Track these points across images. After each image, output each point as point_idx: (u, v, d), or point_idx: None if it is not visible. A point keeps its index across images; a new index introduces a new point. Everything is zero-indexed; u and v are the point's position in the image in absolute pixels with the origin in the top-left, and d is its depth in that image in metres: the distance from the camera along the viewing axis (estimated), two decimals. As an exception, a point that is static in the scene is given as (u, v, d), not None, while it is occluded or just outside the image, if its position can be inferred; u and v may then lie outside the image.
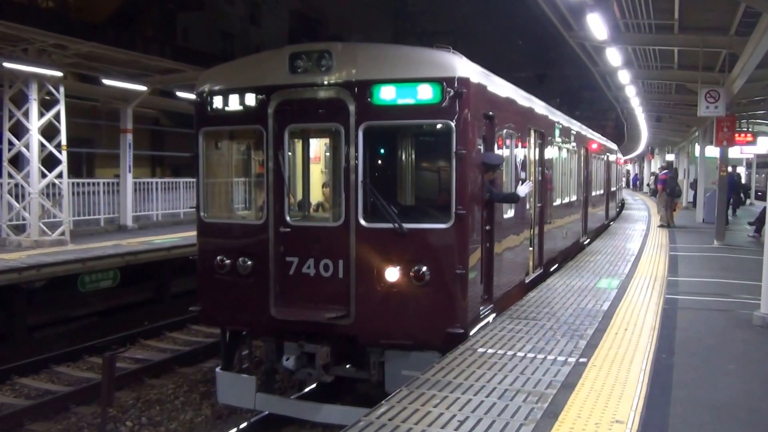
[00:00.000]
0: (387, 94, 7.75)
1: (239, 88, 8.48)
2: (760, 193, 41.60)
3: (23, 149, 16.10)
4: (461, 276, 7.67)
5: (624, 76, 20.77)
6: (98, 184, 20.59)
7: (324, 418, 8.43)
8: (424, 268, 7.66)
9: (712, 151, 22.69)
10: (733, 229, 22.18)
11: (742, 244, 18.66)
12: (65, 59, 16.32)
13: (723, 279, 12.81)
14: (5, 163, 16.19)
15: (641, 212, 31.86)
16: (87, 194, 19.84)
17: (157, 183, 23.57)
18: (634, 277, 12.48)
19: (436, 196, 8.67)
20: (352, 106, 7.84)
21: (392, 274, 7.76)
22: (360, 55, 8.03)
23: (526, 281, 11.31)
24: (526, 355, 7.18)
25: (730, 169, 23.87)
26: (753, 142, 29.18)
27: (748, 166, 44.12)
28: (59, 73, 16.16)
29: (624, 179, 55.79)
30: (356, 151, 7.85)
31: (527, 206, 11.21)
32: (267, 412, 9.24)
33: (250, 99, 8.39)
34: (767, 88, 18.88)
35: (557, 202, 14.26)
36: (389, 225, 7.78)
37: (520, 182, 10.14)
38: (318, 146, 10.12)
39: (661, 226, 22.98)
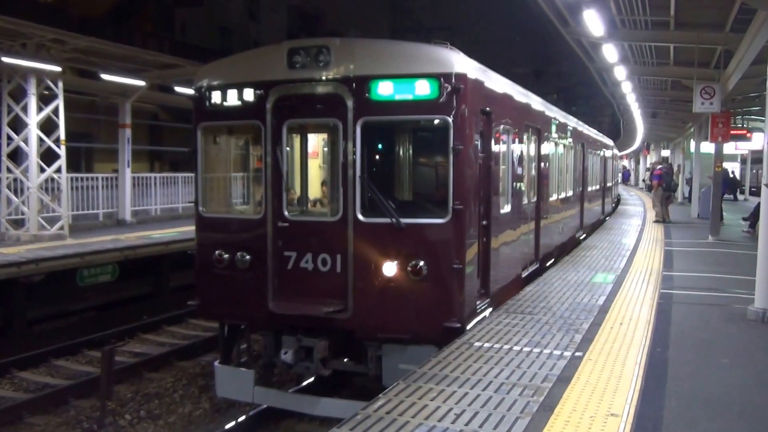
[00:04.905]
0: (385, 89, 7.80)
1: (238, 83, 8.52)
2: (754, 189, 41.71)
3: (22, 144, 16.08)
4: (458, 271, 7.74)
5: (620, 73, 20.85)
6: (97, 178, 20.59)
7: (322, 411, 8.48)
8: (422, 263, 7.72)
9: (707, 147, 22.77)
10: (728, 224, 22.26)
11: (737, 239, 18.73)
12: (64, 54, 16.29)
13: (717, 274, 12.87)
14: (4, 158, 16.16)
15: (637, 207, 31.95)
16: (86, 189, 19.84)
17: (155, 178, 23.58)
18: (630, 271, 12.55)
19: (433, 191, 8.71)
20: (350, 101, 7.89)
21: (390, 268, 7.82)
22: (358, 50, 8.08)
23: (523, 276, 11.37)
24: (522, 349, 7.23)
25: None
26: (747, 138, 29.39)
27: (743, 161, 44.28)
28: (58, 68, 16.14)
29: (620, 175, 55.84)
30: (354, 146, 7.91)
31: (524, 201, 11.28)
32: (265, 406, 9.32)
33: (249, 94, 8.43)
34: (762, 84, 18.88)
35: (554, 197, 14.31)
36: (387, 220, 7.84)
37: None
38: (316, 141, 10.16)
39: (656, 221, 23.08)
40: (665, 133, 42.41)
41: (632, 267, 13.09)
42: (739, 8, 12.62)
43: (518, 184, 10.83)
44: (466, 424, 5.17)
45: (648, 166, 50.33)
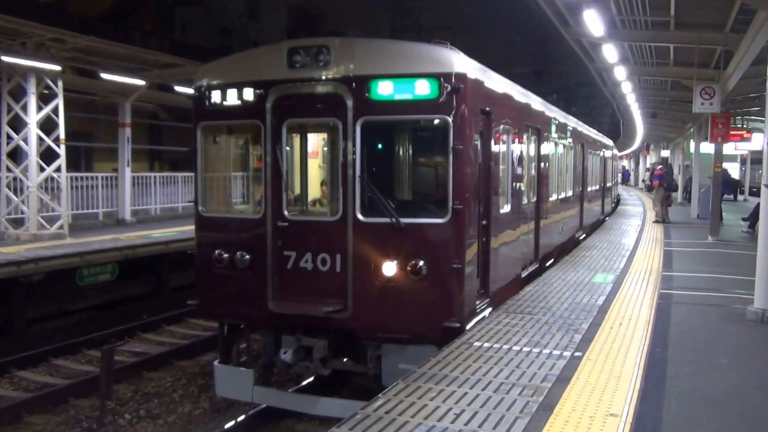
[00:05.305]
0: (384, 89, 7.80)
1: (237, 83, 8.51)
2: (754, 189, 41.73)
3: (22, 143, 16.09)
4: (458, 270, 7.73)
5: (620, 73, 20.85)
6: (97, 178, 20.58)
7: (321, 411, 8.48)
8: (421, 263, 7.72)
9: (707, 147, 22.80)
10: (727, 224, 22.28)
11: (736, 239, 18.75)
12: (63, 53, 16.29)
13: (717, 274, 12.88)
14: (4, 157, 16.17)
15: (636, 208, 31.97)
16: (85, 188, 19.84)
17: (155, 177, 23.58)
18: (629, 271, 12.55)
19: (433, 191, 8.70)
20: (350, 101, 7.89)
21: (389, 268, 7.82)
22: (358, 50, 8.08)
23: (523, 276, 11.37)
24: (521, 349, 7.24)
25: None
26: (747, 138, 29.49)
27: (743, 162, 44.28)
28: (57, 67, 16.15)
29: (620, 175, 55.83)
30: (354, 146, 7.91)
31: (524, 201, 11.27)
32: (264, 405, 9.32)
33: (248, 93, 8.43)
34: (762, 84, 18.89)
35: (553, 197, 14.31)
36: (386, 220, 7.83)
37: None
38: (316, 141, 10.16)
39: (656, 221, 23.08)
40: (665, 133, 42.42)
41: (632, 267, 13.10)
42: (739, 8, 12.61)
43: (518, 184, 10.83)
44: (466, 424, 5.17)
45: (648, 166, 50.33)
